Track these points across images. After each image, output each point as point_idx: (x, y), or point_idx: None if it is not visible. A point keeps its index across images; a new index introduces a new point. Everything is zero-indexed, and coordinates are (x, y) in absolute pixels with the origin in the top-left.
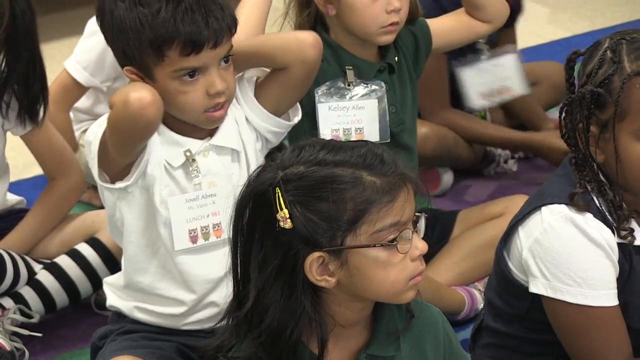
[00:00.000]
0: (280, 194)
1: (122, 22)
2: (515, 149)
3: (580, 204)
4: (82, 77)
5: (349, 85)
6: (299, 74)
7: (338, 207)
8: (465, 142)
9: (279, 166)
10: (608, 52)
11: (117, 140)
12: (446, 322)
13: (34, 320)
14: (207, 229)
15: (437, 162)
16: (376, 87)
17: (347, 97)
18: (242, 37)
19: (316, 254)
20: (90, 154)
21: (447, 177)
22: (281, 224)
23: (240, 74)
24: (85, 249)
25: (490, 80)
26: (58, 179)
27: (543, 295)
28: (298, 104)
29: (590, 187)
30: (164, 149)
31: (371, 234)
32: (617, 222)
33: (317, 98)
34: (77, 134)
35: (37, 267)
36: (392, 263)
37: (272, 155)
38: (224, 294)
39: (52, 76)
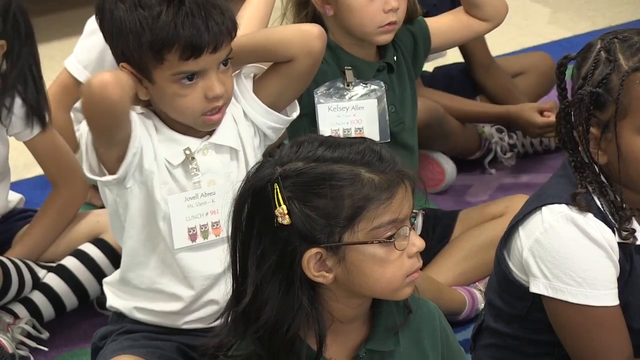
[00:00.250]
0: (278, 190)
1: (121, 24)
2: (494, 121)
3: (582, 204)
4: (82, 76)
5: (348, 85)
6: (304, 65)
7: (336, 203)
8: (453, 118)
9: (277, 162)
10: (602, 52)
11: (94, 129)
12: (442, 317)
13: (42, 336)
14: (206, 227)
15: (429, 134)
16: (375, 87)
17: (347, 97)
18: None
19: (314, 250)
20: (83, 146)
21: (450, 170)
22: (279, 219)
23: (237, 71)
24: (91, 250)
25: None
26: (61, 188)
27: (544, 295)
28: (296, 100)
29: (591, 188)
30: (163, 147)
31: (369, 230)
32: (618, 222)
33: (316, 99)
34: (77, 134)
35: (41, 272)
36: (389, 260)
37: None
38: (223, 291)
39: (53, 76)
